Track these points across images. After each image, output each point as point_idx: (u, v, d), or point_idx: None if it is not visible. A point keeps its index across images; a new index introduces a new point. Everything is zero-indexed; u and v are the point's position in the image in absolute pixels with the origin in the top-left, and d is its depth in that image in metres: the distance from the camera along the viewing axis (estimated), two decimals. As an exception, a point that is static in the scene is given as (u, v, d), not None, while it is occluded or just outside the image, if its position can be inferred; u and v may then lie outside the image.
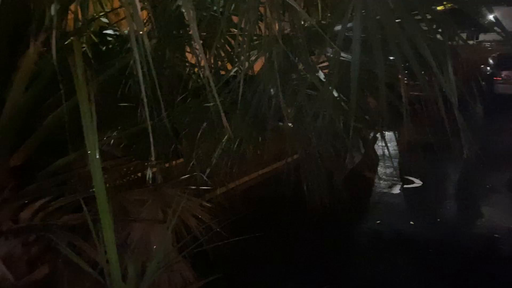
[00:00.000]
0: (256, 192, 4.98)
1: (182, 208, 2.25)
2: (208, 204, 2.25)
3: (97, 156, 1.32)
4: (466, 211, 4.88)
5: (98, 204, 1.32)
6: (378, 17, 1.41)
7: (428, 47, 1.37)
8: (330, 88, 1.68)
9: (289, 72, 1.92)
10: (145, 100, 1.12)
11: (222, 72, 2.46)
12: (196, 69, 2.61)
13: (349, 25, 1.51)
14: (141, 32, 1.10)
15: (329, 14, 1.82)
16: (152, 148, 1.30)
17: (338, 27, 1.61)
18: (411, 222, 4.55)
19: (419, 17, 1.44)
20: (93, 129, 1.32)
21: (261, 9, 1.75)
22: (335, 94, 1.84)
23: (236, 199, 2.68)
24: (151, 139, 1.22)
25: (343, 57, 1.64)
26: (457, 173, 6.12)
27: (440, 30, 1.54)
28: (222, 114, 1.31)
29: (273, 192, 4.13)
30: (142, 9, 2.56)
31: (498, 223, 4.48)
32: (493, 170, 6.35)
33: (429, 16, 1.46)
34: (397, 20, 1.41)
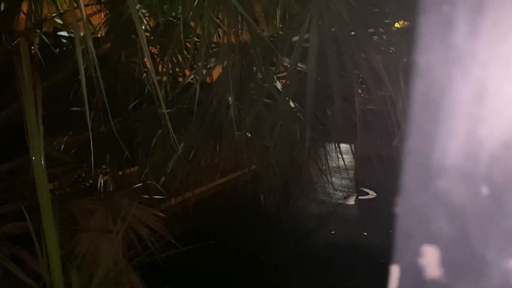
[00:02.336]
0: (212, 202, 4.94)
1: (134, 218, 2.19)
2: (161, 214, 2.19)
3: (42, 162, 1.26)
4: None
5: (42, 212, 1.26)
6: (333, 29, 1.43)
7: (382, 61, 1.40)
8: (286, 98, 1.69)
9: (247, 81, 1.91)
10: (86, 106, 1.07)
11: (180, 79, 2.43)
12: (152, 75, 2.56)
13: (306, 36, 1.52)
14: (87, 35, 1.06)
15: (284, 25, 1.83)
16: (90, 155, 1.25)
17: (296, 38, 1.62)
18: (365, 233, 4.63)
19: (372, 30, 1.48)
20: (39, 134, 1.26)
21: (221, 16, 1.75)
22: (292, 104, 1.85)
23: (192, 209, 2.63)
24: (92, 145, 1.18)
25: (300, 67, 1.65)
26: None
27: (393, 45, 1.59)
28: (169, 125, 1.27)
29: (230, 202, 4.11)
30: (98, 11, 2.51)
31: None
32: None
33: (382, 30, 1.49)
34: (351, 33, 1.44)
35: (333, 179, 6.00)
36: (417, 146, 0.27)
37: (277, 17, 1.99)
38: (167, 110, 2.40)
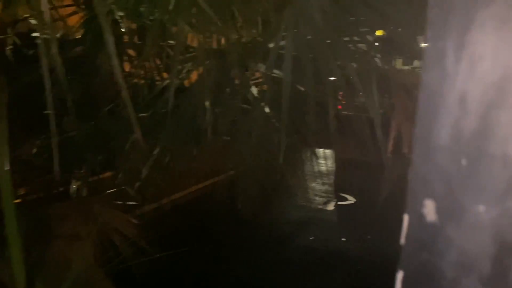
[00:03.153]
0: (189, 208, 4.86)
1: (107, 223, 2.15)
2: (134, 221, 2.16)
3: (7, 168, 1.22)
4: (395, 229, 5.03)
5: (5, 219, 1.21)
6: (308, 37, 1.43)
7: (356, 69, 1.40)
8: (262, 104, 1.68)
9: (224, 86, 1.90)
10: (50, 109, 1.04)
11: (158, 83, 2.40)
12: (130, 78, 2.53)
13: (282, 43, 1.52)
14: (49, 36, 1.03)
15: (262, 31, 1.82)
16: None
17: (272, 45, 1.61)
18: (343, 239, 4.64)
19: (347, 38, 1.48)
20: (3, 137, 1.22)
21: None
22: (267, 110, 1.84)
23: (168, 215, 2.59)
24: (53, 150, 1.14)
25: (275, 73, 1.64)
26: (389, 191, 6.31)
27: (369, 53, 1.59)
28: (138, 129, 1.24)
29: (207, 208, 4.06)
30: (73, 13, 2.47)
31: (423, 240, 4.66)
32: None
33: (357, 39, 1.50)
34: (327, 41, 1.44)
35: (313, 185, 6.02)
36: (424, 129, 0.40)
37: (259, 23, 1.98)
38: (143, 114, 2.38)
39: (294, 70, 1.52)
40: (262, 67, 1.76)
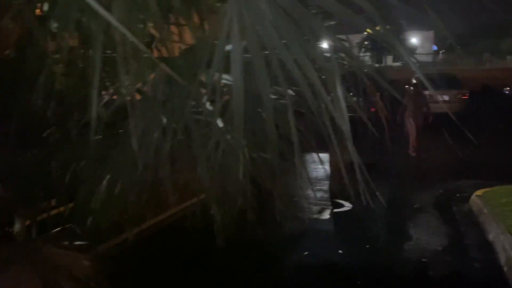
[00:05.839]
0: (156, 240, 4.15)
1: (58, 266, 1.88)
2: (87, 262, 1.88)
3: None
4: (394, 234, 4.78)
5: None
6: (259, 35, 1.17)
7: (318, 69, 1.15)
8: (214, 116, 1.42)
9: (171, 99, 1.63)
10: None
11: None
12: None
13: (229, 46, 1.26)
14: None
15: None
16: None
17: (228, 46, 1.35)
18: (340, 251, 4.35)
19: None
20: None
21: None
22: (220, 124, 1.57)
23: (132, 250, 2.29)
24: None
25: (226, 79, 1.38)
26: (386, 194, 5.99)
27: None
28: None
29: (177, 239, 3.47)
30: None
31: (424, 245, 4.39)
32: (419, 189, 6.39)
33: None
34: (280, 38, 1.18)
35: (306, 192, 5.72)
36: None
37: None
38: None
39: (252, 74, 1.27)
40: (216, 75, 1.50)
